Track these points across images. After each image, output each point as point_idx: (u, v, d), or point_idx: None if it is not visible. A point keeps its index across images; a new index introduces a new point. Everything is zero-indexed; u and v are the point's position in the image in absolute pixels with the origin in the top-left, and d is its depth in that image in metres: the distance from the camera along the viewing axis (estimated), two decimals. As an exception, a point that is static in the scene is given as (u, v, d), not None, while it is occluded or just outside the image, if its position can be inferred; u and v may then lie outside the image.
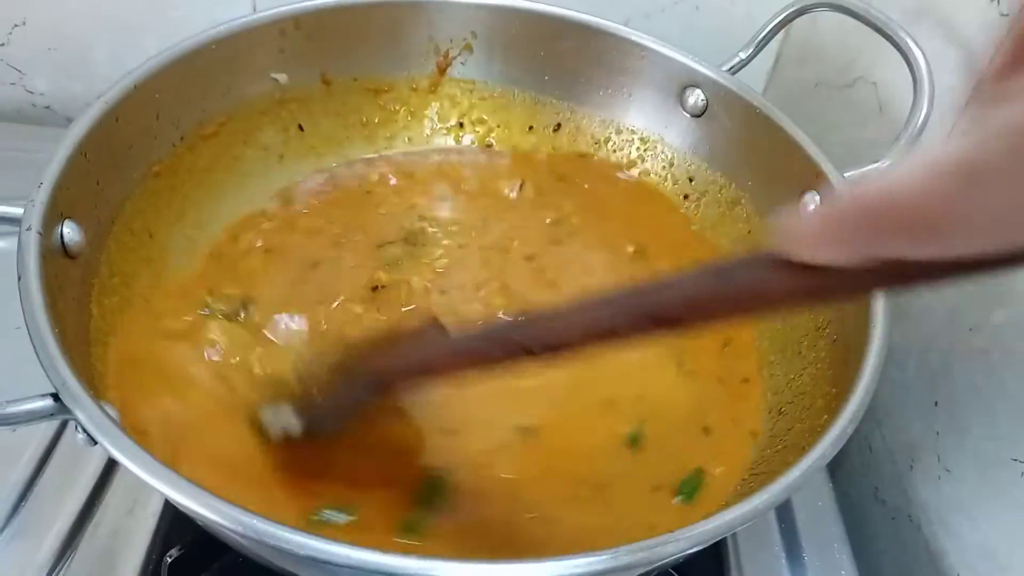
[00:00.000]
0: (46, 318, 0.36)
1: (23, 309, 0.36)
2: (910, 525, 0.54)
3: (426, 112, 0.64)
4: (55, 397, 0.34)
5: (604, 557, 0.31)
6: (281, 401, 0.42)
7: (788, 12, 0.57)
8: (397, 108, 0.63)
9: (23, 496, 0.47)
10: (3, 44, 0.74)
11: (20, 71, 0.76)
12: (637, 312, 0.31)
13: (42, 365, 0.34)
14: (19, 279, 0.37)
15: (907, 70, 0.51)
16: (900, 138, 0.50)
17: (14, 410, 0.34)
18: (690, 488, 0.45)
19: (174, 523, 0.47)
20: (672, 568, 0.47)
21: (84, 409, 0.33)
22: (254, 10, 0.71)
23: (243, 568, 0.45)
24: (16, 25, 0.73)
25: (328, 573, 0.34)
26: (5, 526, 0.46)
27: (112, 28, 0.74)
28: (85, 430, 0.33)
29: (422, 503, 0.42)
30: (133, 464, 0.32)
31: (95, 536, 0.46)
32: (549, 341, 0.33)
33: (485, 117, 0.64)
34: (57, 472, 0.49)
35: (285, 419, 0.41)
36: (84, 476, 0.49)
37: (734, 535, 0.50)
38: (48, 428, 0.51)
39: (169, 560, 0.45)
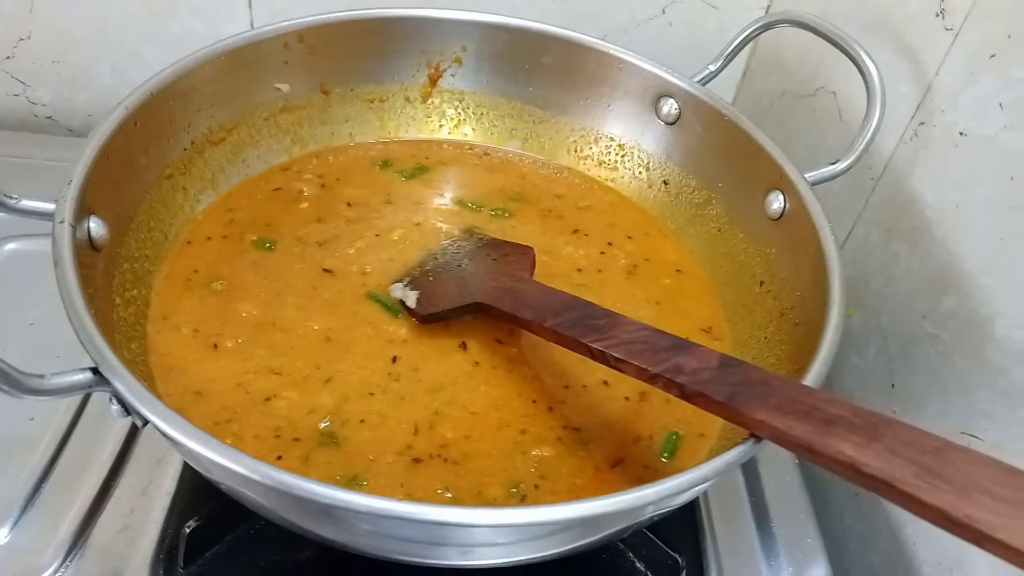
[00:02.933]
0: (83, 299, 0.39)
1: (61, 293, 0.39)
2: (871, 499, 0.58)
3: (416, 119, 0.68)
4: (94, 371, 0.37)
5: (585, 505, 0.35)
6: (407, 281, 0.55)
7: (754, 28, 0.61)
8: (391, 115, 0.67)
9: (43, 478, 0.50)
10: (9, 57, 0.77)
11: (24, 83, 0.79)
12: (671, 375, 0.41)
13: (81, 342, 0.38)
14: (56, 265, 0.40)
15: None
16: (855, 142, 0.54)
17: (57, 382, 0.36)
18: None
19: (186, 501, 0.50)
20: (652, 534, 0.51)
21: (122, 380, 0.36)
22: (251, 25, 0.75)
23: (254, 538, 0.49)
24: (22, 39, 0.76)
25: (343, 526, 0.38)
26: (27, 506, 0.49)
27: (114, 42, 0.77)
28: (121, 400, 0.37)
29: None
30: (168, 426, 0.35)
31: (112, 514, 0.49)
32: (607, 356, 0.43)
33: (472, 124, 0.68)
34: (74, 456, 0.52)
35: (404, 294, 0.54)
36: (99, 460, 0.52)
37: (708, 508, 0.54)
38: (64, 416, 0.53)
39: (187, 531, 0.48)
